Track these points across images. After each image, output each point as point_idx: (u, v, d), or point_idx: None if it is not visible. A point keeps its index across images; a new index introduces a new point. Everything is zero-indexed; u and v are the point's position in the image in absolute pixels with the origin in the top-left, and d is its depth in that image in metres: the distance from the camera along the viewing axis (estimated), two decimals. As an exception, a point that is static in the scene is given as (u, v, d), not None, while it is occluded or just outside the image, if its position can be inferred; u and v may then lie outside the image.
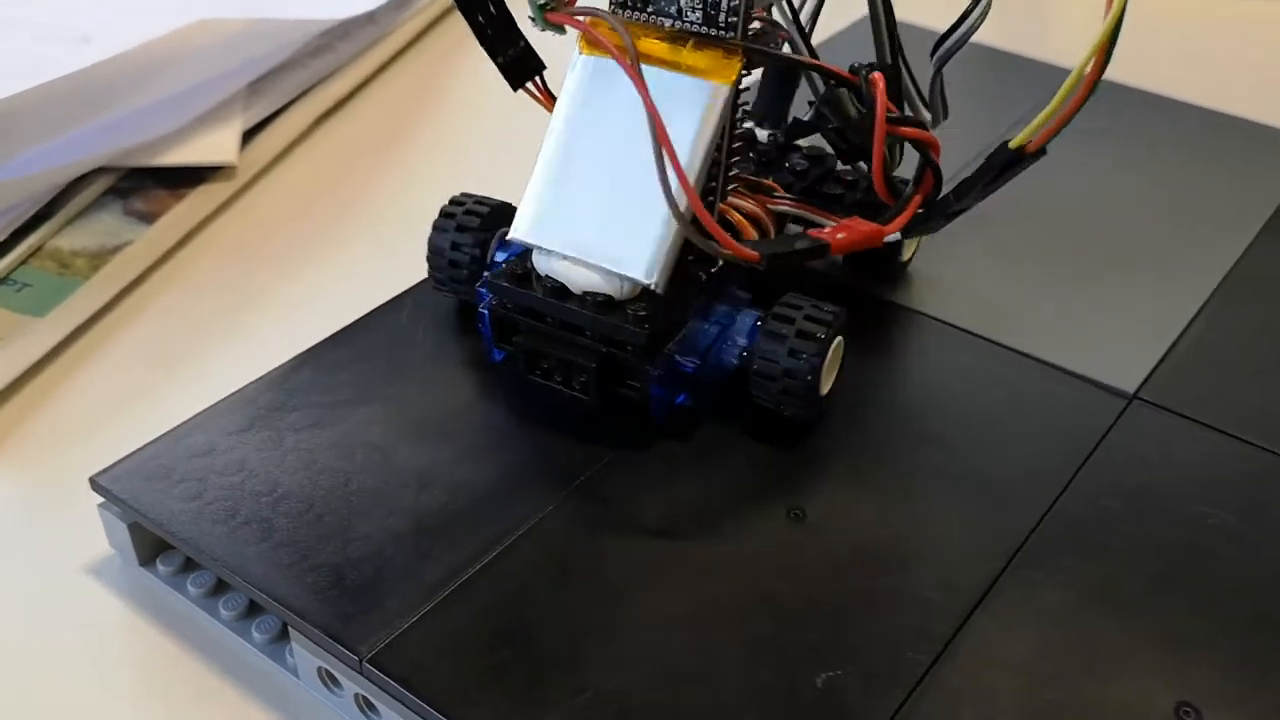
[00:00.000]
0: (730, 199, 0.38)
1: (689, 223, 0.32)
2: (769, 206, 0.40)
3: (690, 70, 0.35)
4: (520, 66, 0.38)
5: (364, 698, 0.32)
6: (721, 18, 0.35)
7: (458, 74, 0.64)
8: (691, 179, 0.35)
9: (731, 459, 0.37)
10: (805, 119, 0.38)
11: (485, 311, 0.38)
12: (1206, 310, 0.43)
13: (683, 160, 0.34)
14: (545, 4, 0.34)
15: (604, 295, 0.36)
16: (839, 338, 0.37)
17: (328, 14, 0.61)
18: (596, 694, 0.30)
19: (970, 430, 0.38)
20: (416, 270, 0.43)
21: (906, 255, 0.44)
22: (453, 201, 0.41)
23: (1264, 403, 0.39)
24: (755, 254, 0.33)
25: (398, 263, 0.44)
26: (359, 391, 0.39)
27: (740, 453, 0.37)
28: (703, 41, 0.35)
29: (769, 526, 0.35)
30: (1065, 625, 0.32)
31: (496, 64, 0.38)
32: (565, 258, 0.36)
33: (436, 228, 0.41)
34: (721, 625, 0.32)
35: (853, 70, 0.35)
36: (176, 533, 0.34)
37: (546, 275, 0.36)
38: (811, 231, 0.36)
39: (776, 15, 0.37)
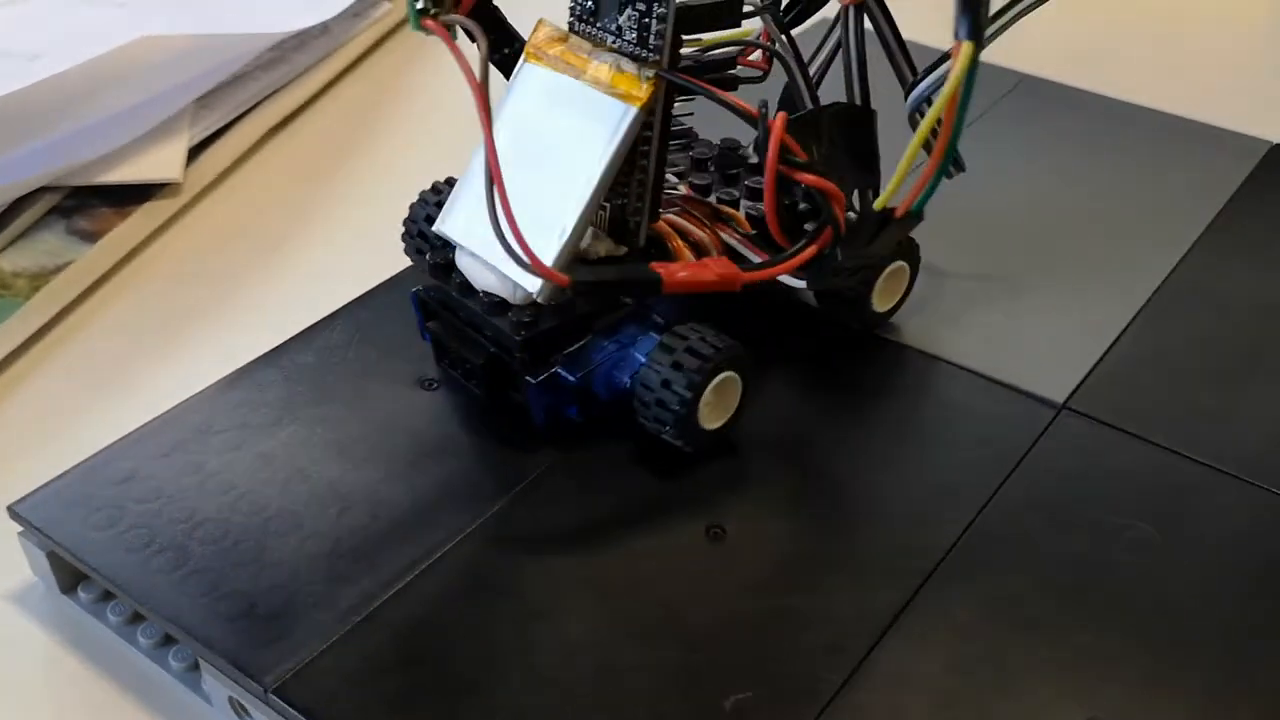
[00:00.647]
0: (682, 223, 0.38)
1: (500, 232, 0.32)
2: (722, 237, 0.39)
3: (610, 89, 0.35)
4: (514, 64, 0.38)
5: (273, 727, 0.32)
6: (651, 41, 0.34)
7: (412, 85, 0.64)
8: (586, 194, 0.35)
9: (653, 477, 0.37)
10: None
11: (413, 293, 0.39)
12: (1140, 318, 0.43)
13: (582, 176, 0.35)
14: (423, 9, 0.34)
15: (499, 297, 0.36)
16: (730, 373, 0.36)
17: (280, 27, 0.61)
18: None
19: (897, 443, 0.38)
20: (363, 287, 0.43)
21: (881, 306, 0.41)
22: (447, 180, 0.42)
23: (1192, 412, 0.39)
24: (564, 277, 0.33)
25: (344, 280, 0.44)
26: (285, 412, 0.39)
27: (663, 470, 0.37)
28: (631, 62, 0.35)
29: (687, 545, 0.35)
30: (978, 642, 0.32)
31: (493, 61, 0.38)
32: (473, 255, 0.37)
33: (420, 199, 0.42)
34: (633, 648, 0.32)
35: (760, 108, 0.34)
36: (89, 562, 0.34)
37: (458, 269, 0.37)
38: (656, 265, 0.35)
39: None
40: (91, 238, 0.51)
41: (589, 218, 0.35)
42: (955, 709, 0.30)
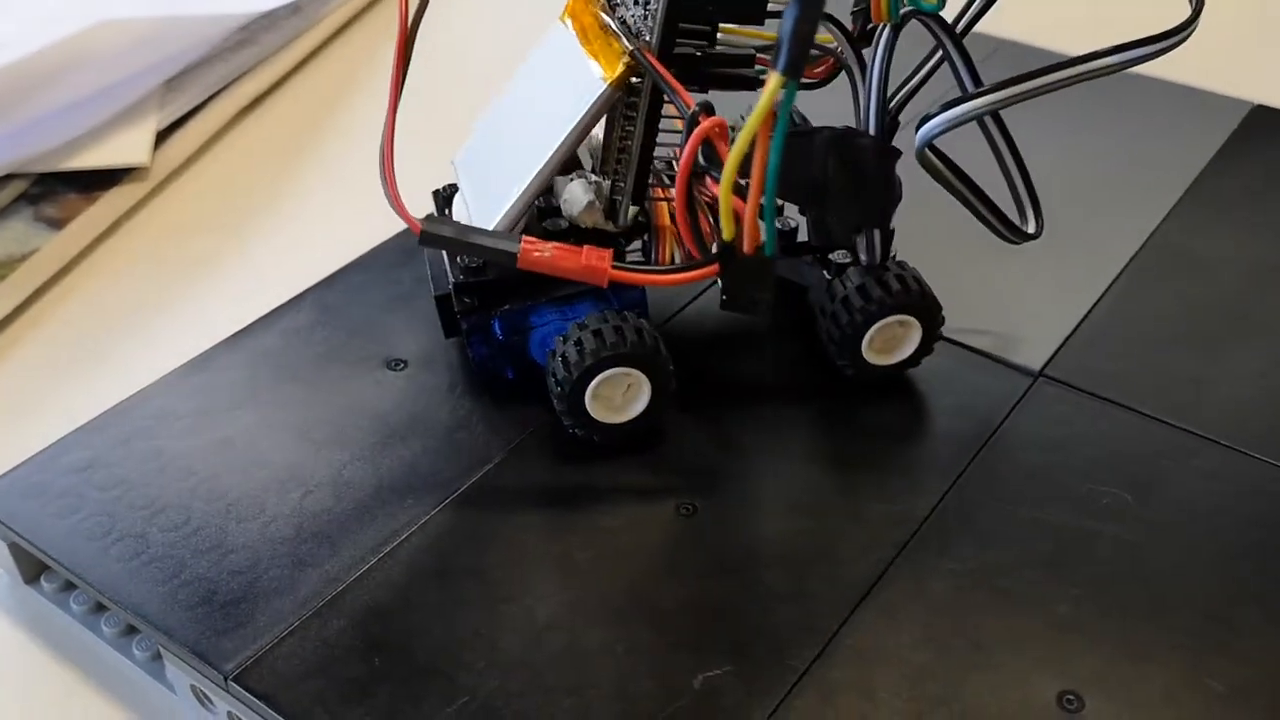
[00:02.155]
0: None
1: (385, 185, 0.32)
2: None
3: (596, 58, 0.34)
4: None
5: (236, 716, 0.31)
6: (647, 20, 0.34)
7: (383, 66, 0.63)
8: (540, 164, 0.34)
9: (623, 455, 0.36)
10: None
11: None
12: (1118, 283, 0.42)
13: (546, 144, 0.34)
14: None
15: None
16: (628, 370, 0.34)
17: (249, 7, 0.60)
18: (468, 705, 0.29)
19: (872, 415, 0.37)
20: (332, 269, 0.42)
21: (876, 359, 0.38)
22: None
23: (1170, 377, 0.38)
24: (415, 223, 0.32)
25: (313, 263, 0.43)
26: (247, 396, 0.38)
27: (633, 448, 0.36)
28: (623, 40, 0.34)
29: (658, 523, 0.34)
30: (950, 616, 0.31)
31: None
32: (462, 195, 0.37)
33: None
34: (601, 628, 0.31)
35: (698, 107, 0.32)
36: (49, 551, 0.33)
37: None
38: (526, 240, 0.32)
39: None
40: (58, 224, 0.50)
41: (541, 186, 0.35)
42: (927, 683, 0.30)
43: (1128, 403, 0.37)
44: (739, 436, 0.37)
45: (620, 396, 0.35)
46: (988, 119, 0.36)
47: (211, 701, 0.32)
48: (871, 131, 0.36)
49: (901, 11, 0.34)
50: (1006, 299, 0.41)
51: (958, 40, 0.35)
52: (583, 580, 0.32)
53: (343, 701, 0.29)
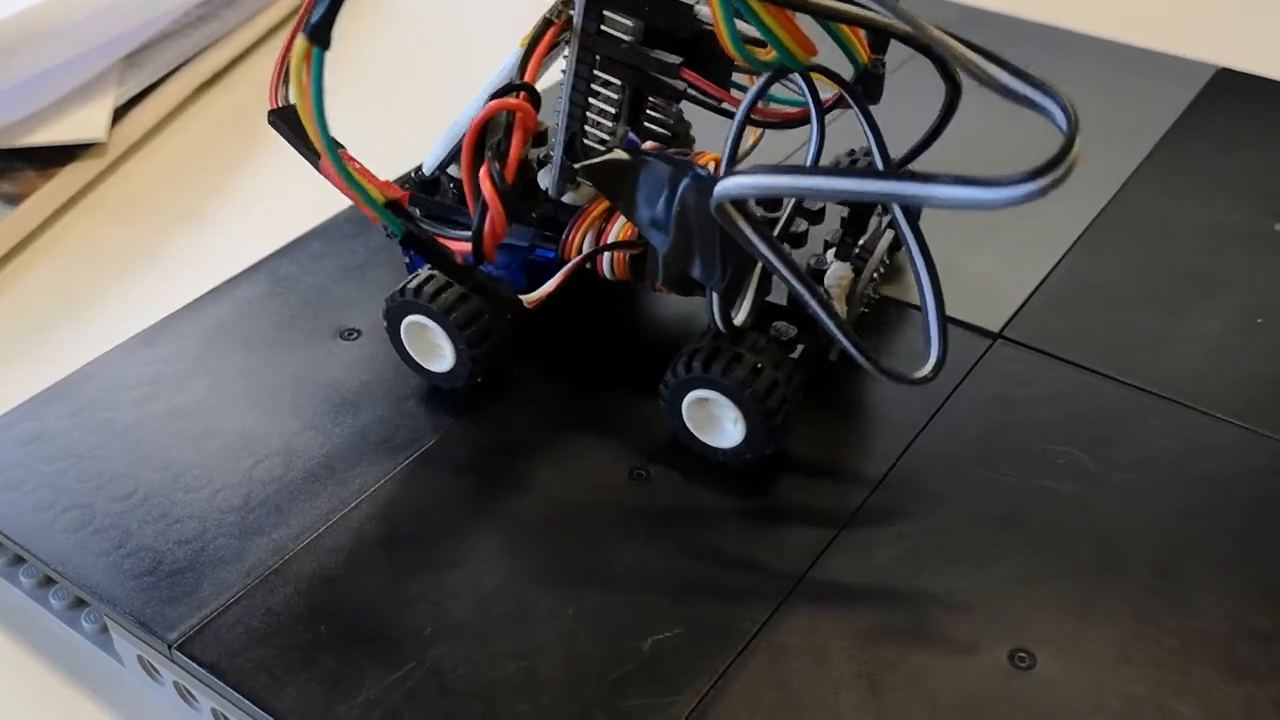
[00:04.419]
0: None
1: None
2: None
3: None
4: None
5: (182, 685, 0.31)
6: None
7: (344, 41, 0.62)
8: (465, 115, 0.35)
9: (577, 422, 0.36)
10: None
11: None
12: (1079, 245, 0.42)
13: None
14: None
15: None
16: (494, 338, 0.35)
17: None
18: (414, 670, 0.29)
19: (828, 380, 0.37)
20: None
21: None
22: None
23: (1128, 337, 0.38)
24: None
25: (269, 234, 0.43)
26: (199, 366, 0.38)
27: (586, 415, 0.36)
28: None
29: (610, 489, 0.34)
30: (901, 577, 0.31)
31: None
32: None
33: None
34: (551, 593, 0.31)
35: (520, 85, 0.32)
36: (-6, 523, 0.33)
37: None
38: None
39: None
40: (14, 200, 0.50)
41: (455, 138, 0.35)
42: (877, 644, 0.30)
43: (1086, 363, 0.37)
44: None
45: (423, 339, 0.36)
46: (901, 216, 0.32)
47: (158, 672, 0.31)
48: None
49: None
50: (965, 260, 0.41)
51: (865, 110, 0.32)
52: (532, 546, 0.32)
53: (288, 669, 0.29)
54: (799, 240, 0.38)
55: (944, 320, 0.30)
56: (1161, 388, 0.36)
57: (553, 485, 0.34)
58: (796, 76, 0.31)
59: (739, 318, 0.32)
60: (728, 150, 0.31)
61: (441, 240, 0.33)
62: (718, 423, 0.33)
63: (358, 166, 0.31)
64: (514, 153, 0.32)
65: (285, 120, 0.30)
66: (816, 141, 0.32)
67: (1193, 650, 0.29)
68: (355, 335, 0.39)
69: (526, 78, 0.33)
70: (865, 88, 0.32)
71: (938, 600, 0.30)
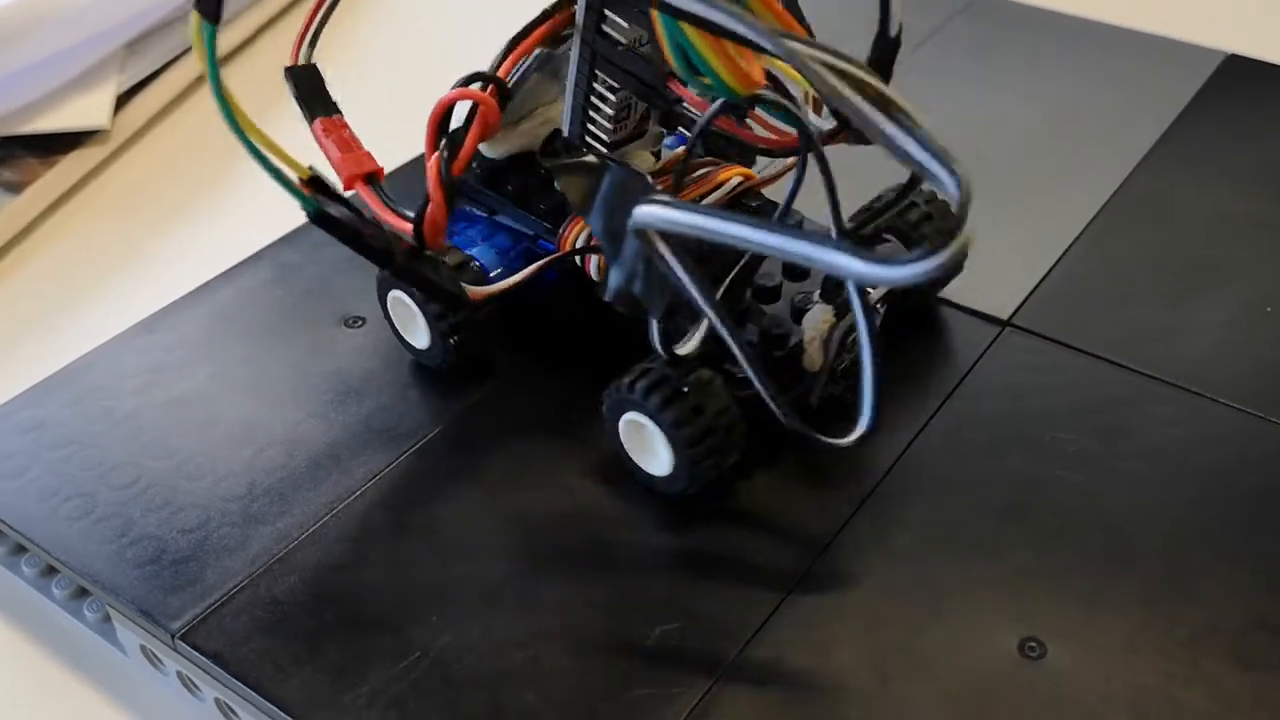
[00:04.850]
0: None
1: None
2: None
3: None
4: None
5: (185, 675, 0.31)
6: None
7: (348, 28, 0.62)
8: None
9: (579, 412, 0.35)
10: None
11: None
12: (1087, 233, 0.41)
13: None
14: None
15: None
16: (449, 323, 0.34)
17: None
18: (419, 660, 0.29)
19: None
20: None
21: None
22: None
23: (1138, 325, 0.38)
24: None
25: (274, 226, 0.42)
26: (201, 354, 0.37)
27: (589, 404, 0.35)
28: None
29: (614, 478, 0.33)
30: (911, 566, 0.31)
31: None
32: None
33: None
34: (557, 584, 0.31)
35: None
36: (-3, 513, 0.33)
37: None
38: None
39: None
40: (17, 188, 0.50)
41: None
42: (886, 633, 0.29)
43: (1095, 351, 0.37)
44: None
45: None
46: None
47: (161, 661, 0.31)
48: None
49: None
50: (975, 249, 0.41)
51: (820, 158, 0.29)
52: (537, 536, 0.32)
53: (293, 659, 0.29)
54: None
55: (879, 389, 0.28)
56: (1171, 376, 0.36)
57: (558, 474, 0.33)
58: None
59: (684, 347, 0.31)
60: (674, 177, 0.31)
61: (397, 220, 0.32)
62: (651, 448, 0.32)
63: (346, 135, 0.30)
64: (467, 146, 0.31)
65: (297, 78, 0.31)
66: (795, 179, 0.30)
67: (1202, 640, 0.29)
68: (359, 323, 0.38)
69: (501, 71, 0.32)
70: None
71: (946, 589, 0.30)
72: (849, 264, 0.23)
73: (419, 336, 0.35)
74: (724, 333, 0.28)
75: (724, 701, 0.28)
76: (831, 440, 0.30)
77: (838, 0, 0.38)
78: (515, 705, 0.28)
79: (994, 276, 0.40)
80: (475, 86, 0.31)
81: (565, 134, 0.33)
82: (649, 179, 0.29)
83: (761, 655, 0.29)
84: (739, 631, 0.29)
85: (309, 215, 0.30)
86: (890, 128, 0.23)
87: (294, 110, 0.33)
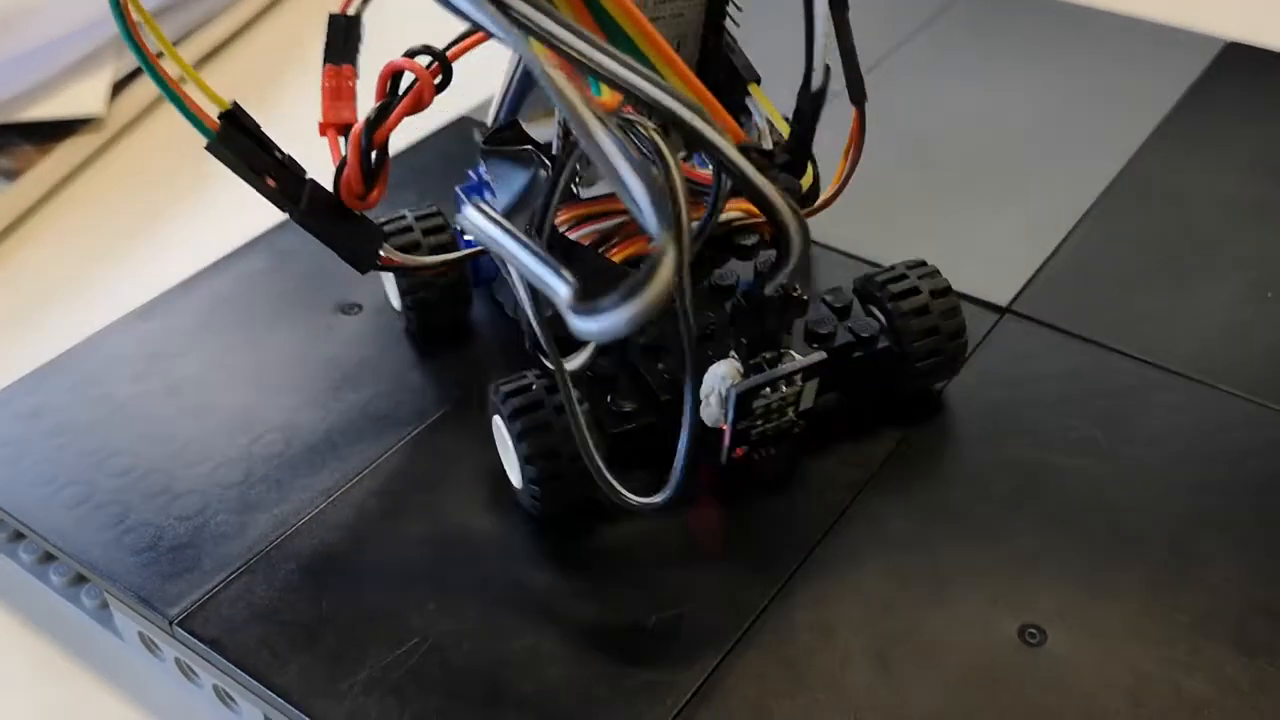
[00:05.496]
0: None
1: None
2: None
3: None
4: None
5: (183, 661, 0.30)
6: None
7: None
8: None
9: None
10: None
11: None
12: (1087, 219, 0.41)
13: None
14: None
15: None
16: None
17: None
18: (416, 647, 0.29)
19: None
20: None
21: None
22: None
23: (1138, 311, 0.37)
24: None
25: (271, 213, 0.42)
26: (198, 341, 0.37)
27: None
28: None
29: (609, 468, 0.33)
30: (911, 552, 0.31)
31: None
32: None
33: None
34: (552, 570, 0.31)
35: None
36: (-7, 499, 0.33)
37: None
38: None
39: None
40: (12, 175, 0.49)
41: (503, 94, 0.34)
42: (887, 619, 0.29)
43: (1095, 337, 0.37)
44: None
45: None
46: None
47: (159, 648, 0.31)
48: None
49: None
50: (974, 234, 0.41)
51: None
52: (535, 522, 0.32)
53: (290, 645, 0.29)
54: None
55: (690, 454, 0.27)
56: (1172, 362, 0.36)
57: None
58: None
59: (573, 362, 0.30)
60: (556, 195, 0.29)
61: None
62: (508, 458, 0.31)
63: (345, 85, 0.30)
64: (392, 120, 0.30)
65: (334, 23, 0.30)
66: (711, 202, 0.28)
67: (1204, 626, 0.29)
68: (356, 310, 0.38)
69: (452, 53, 0.30)
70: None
71: (948, 575, 0.30)
72: (560, 303, 0.21)
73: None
74: (549, 359, 0.27)
75: (724, 687, 0.28)
76: (634, 501, 0.28)
77: None
78: (514, 693, 0.28)
79: (993, 263, 0.39)
80: (421, 60, 0.30)
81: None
82: (557, 185, 0.28)
83: (761, 640, 0.29)
84: (738, 618, 0.29)
85: (207, 144, 0.29)
86: (602, 137, 0.19)
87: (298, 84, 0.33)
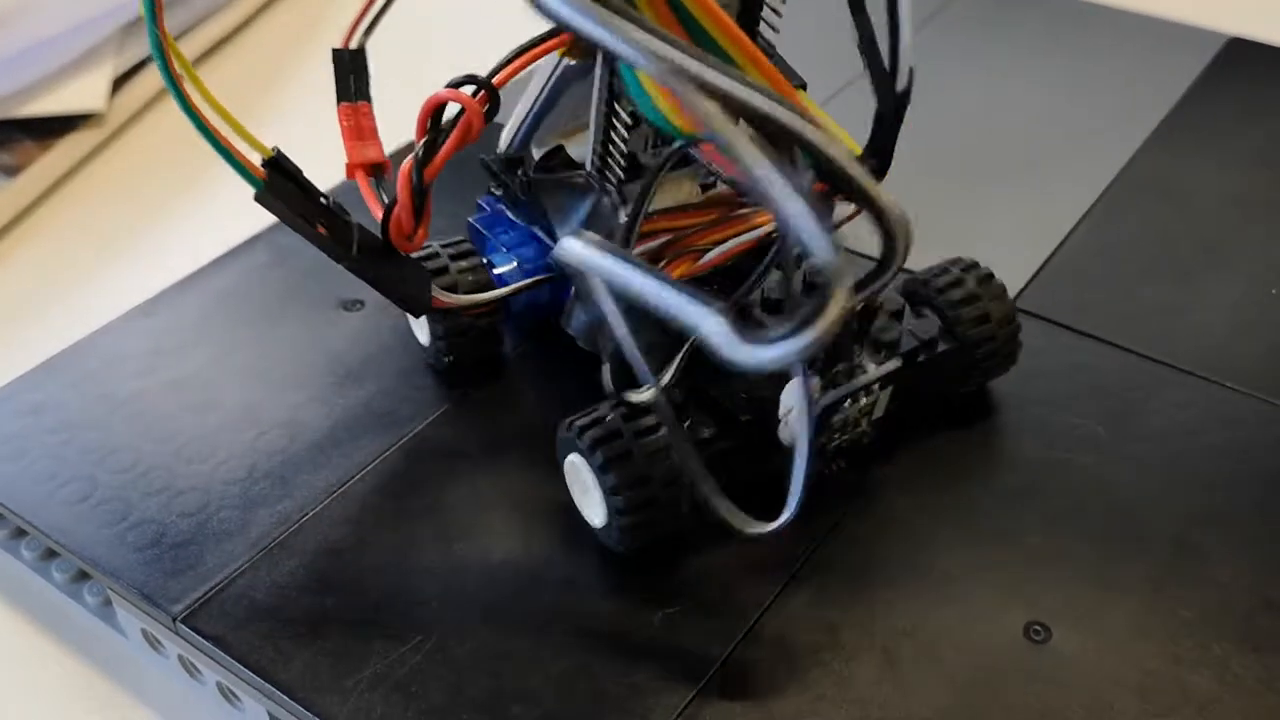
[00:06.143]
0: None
1: None
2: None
3: None
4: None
5: (186, 659, 0.30)
6: None
7: (347, 9, 0.62)
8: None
9: (579, 396, 0.35)
10: None
11: None
12: (1091, 215, 0.41)
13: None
14: None
15: None
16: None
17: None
18: (421, 643, 0.29)
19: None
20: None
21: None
22: None
23: (1143, 308, 0.37)
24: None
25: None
26: (200, 337, 0.37)
27: (588, 389, 0.35)
28: None
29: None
30: (916, 548, 0.31)
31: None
32: None
33: None
34: (558, 565, 0.30)
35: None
36: (-5, 496, 0.32)
37: None
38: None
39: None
40: (13, 171, 0.49)
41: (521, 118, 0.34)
42: (891, 616, 0.29)
43: (1099, 334, 0.36)
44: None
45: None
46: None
47: (162, 645, 0.31)
48: None
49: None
50: (979, 230, 0.41)
51: None
52: (539, 519, 0.32)
53: (294, 642, 0.29)
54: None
55: (809, 480, 0.26)
56: (1177, 359, 0.35)
57: (552, 461, 0.33)
58: None
59: (639, 395, 0.29)
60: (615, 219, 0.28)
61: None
62: (589, 496, 0.30)
63: (364, 124, 0.30)
64: (442, 155, 0.29)
65: (339, 60, 0.30)
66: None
67: (1210, 623, 0.29)
68: (358, 306, 0.38)
69: (498, 79, 0.29)
70: None
71: (952, 572, 0.30)
72: (714, 335, 0.20)
73: (424, 333, 0.34)
74: (653, 394, 0.26)
75: (730, 684, 0.28)
76: (753, 528, 0.27)
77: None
78: (519, 689, 0.28)
79: (997, 260, 0.39)
80: (467, 90, 0.29)
81: (592, 155, 0.31)
82: (623, 214, 0.27)
83: (767, 637, 0.29)
84: (744, 615, 0.29)
85: (255, 195, 0.29)
86: (762, 169, 0.19)
87: (291, 96, 0.33)
